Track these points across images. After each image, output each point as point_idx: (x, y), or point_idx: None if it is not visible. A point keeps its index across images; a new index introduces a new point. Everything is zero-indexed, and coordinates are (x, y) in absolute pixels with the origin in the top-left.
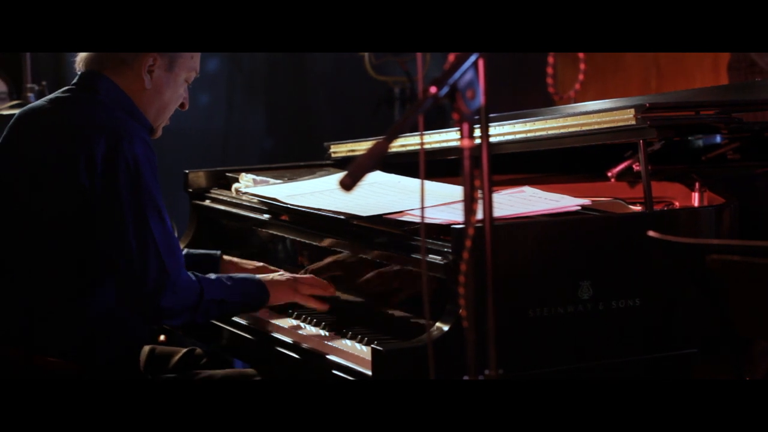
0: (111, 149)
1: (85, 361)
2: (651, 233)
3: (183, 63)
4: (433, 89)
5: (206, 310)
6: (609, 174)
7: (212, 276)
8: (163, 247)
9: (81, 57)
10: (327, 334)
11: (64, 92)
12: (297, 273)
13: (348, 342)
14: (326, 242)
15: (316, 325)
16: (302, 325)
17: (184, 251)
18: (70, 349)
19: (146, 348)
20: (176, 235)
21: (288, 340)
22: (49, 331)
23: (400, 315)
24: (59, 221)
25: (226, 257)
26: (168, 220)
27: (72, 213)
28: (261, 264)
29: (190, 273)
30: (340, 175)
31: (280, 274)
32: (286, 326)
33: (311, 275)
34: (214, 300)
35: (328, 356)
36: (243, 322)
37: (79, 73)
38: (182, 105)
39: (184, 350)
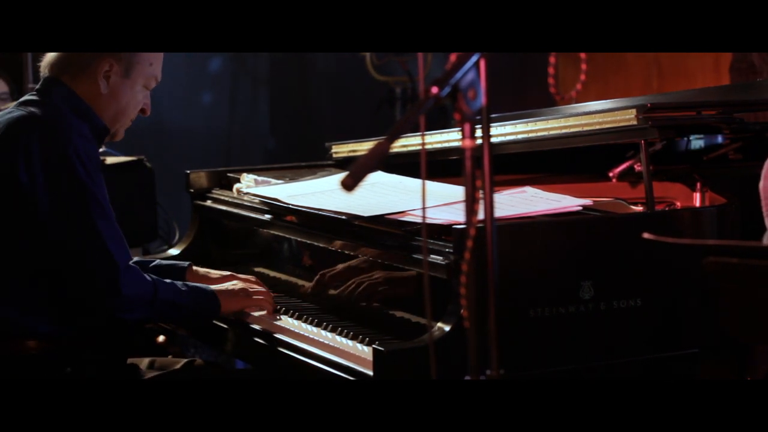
0: (47, 145)
1: (56, 342)
2: (645, 235)
3: (140, 70)
4: (434, 89)
5: (161, 309)
6: (610, 174)
7: (167, 280)
8: (109, 238)
9: (44, 62)
10: (328, 334)
11: (28, 96)
12: (297, 273)
13: (349, 342)
14: (327, 242)
15: (317, 325)
16: (303, 325)
17: (154, 262)
18: (38, 334)
19: (145, 360)
20: (177, 235)
21: (288, 339)
22: (13, 317)
23: (401, 315)
24: (4, 216)
25: (194, 267)
26: (111, 211)
27: (15, 208)
28: (228, 273)
29: (143, 273)
30: (342, 175)
31: (233, 284)
32: (286, 326)
33: (263, 288)
34: (167, 300)
35: (328, 356)
36: (241, 321)
37: (42, 77)
38: (143, 111)
39: (184, 361)
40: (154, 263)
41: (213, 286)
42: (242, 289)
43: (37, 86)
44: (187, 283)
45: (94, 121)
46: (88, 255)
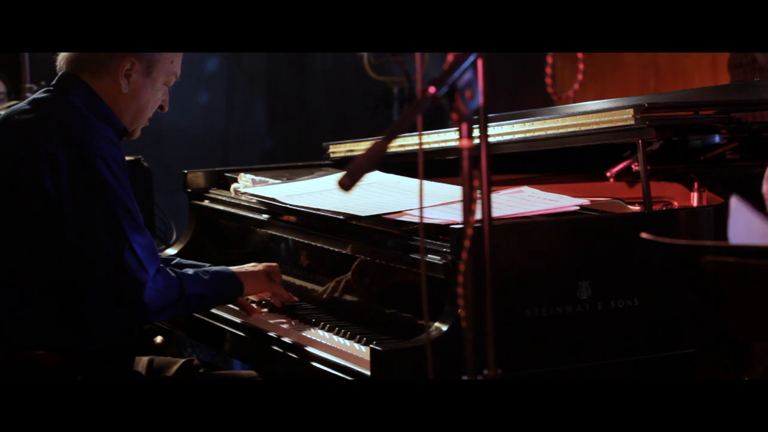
0: (74, 152)
1: (71, 353)
2: (644, 235)
3: (162, 68)
4: (431, 89)
5: (187, 304)
6: (608, 174)
7: (189, 271)
8: (138, 245)
9: (61, 57)
10: (325, 334)
11: (42, 93)
12: (294, 272)
13: (347, 342)
14: (325, 242)
15: (314, 325)
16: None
17: (175, 260)
18: (55, 343)
19: (144, 359)
20: (175, 235)
21: (287, 340)
22: (32, 327)
23: (398, 315)
24: (27, 223)
25: None
26: (139, 216)
27: (39, 215)
28: (252, 265)
29: (168, 269)
30: (339, 175)
31: (253, 266)
32: (284, 326)
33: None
34: (194, 294)
35: (326, 356)
36: (239, 321)
37: (59, 73)
38: (161, 107)
39: (182, 361)
40: (174, 262)
41: (233, 268)
42: (264, 272)
43: (53, 82)
44: (207, 269)
45: (113, 121)
46: (118, 264)
